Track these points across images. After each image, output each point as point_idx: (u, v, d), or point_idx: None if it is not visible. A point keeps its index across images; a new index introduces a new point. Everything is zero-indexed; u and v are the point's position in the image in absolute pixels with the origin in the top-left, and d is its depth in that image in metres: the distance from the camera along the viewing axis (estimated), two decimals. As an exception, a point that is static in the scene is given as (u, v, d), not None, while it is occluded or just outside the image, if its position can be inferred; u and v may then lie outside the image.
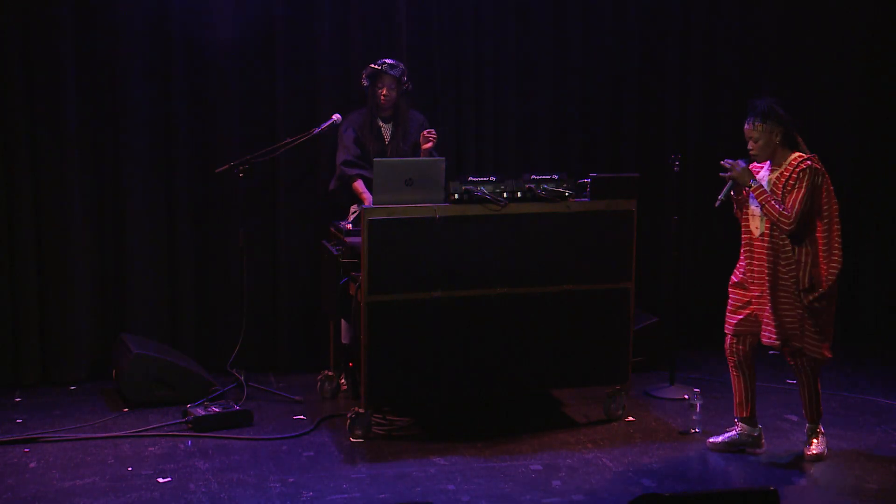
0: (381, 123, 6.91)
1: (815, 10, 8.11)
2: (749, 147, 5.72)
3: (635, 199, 6.25)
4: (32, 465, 5.73)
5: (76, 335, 7.17)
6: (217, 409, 6.29)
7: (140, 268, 7.28)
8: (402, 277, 5.93)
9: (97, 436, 6.14)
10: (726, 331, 5.87)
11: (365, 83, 6.87)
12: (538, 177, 6.12)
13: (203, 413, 6.24)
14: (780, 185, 5.63)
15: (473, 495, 5.30)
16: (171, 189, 7.33)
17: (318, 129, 6.77)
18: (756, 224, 5.75)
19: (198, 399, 6.49)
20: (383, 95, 6.83)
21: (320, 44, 7.43)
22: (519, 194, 6.07)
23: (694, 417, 6.17)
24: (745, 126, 5.72)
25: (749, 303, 5.78)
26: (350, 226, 6.42)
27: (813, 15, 8.11)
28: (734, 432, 5.92)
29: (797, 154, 5.67)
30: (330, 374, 6.85)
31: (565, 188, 6.13)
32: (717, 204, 5.83)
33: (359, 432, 6.03)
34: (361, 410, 6.02)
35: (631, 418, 6.38)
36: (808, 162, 5.60)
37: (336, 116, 6.80)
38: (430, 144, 6.83)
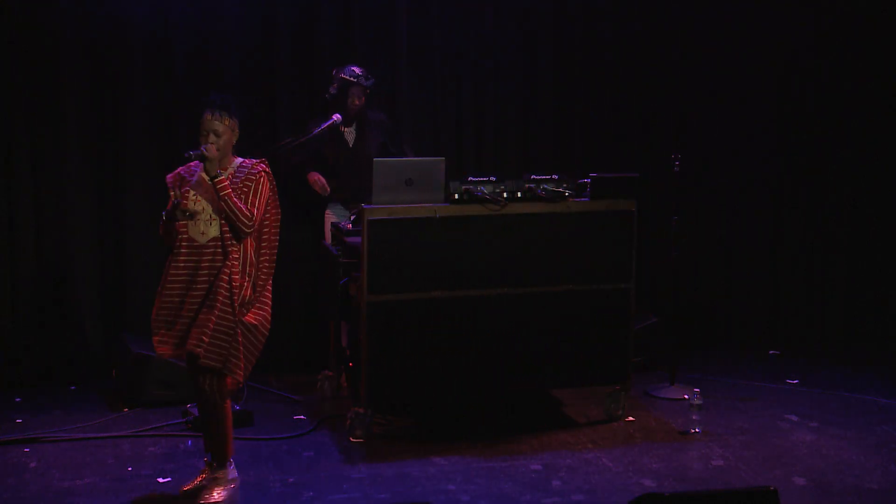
0: (343, 128, 6.92)
1: (816, 9, 8.11)
2: (210, 141, 5.16)
3: (635, 199, 6.25)
4: (32, 465, 5.73)
5: (76, 335, 7.18)
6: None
7: (140, 268, 7.29)
8: (402, 277, 5.92)
9: (97, 436, 6.14)
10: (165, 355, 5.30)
11: (332, 91, 6.86)
12: (538, 177, 6.12)
13: (203, 413, 6.23)
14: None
15: (473, 495, 5.30)
16: (172, 189, 7.34)
17: (318, 129, 6.78)
18: (202, 228, 5.18)
19: (198, 399, 6.48)
20: (355, 105, 6.86)
21: (321, 44, 7.44)
22: (519, 194, 6.07)
23: (694, 417, 6.16)
24: (207, 116, 5.19)
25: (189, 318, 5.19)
26: (350, 226, 6.42)
27: (814, 15, 8.11)
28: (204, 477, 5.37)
29: (247, 159, 5.28)
30: (330, 374, 6.85)
31: (565, 188, 6.13)
32: (187, 154, 5.18)
33: (359, 432, 6.03)
34: (361, 410, 6.02)
35: (631, 418, 6.38)
36: (265, 166, 5.26)
37: (336, 116, 6.81)
38: None
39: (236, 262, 5.19)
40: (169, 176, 5.32)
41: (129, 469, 5.66)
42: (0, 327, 7.07)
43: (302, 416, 6.48)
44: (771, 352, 7.99)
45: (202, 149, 5.15)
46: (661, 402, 6.74)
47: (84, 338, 7.21)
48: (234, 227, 5.18)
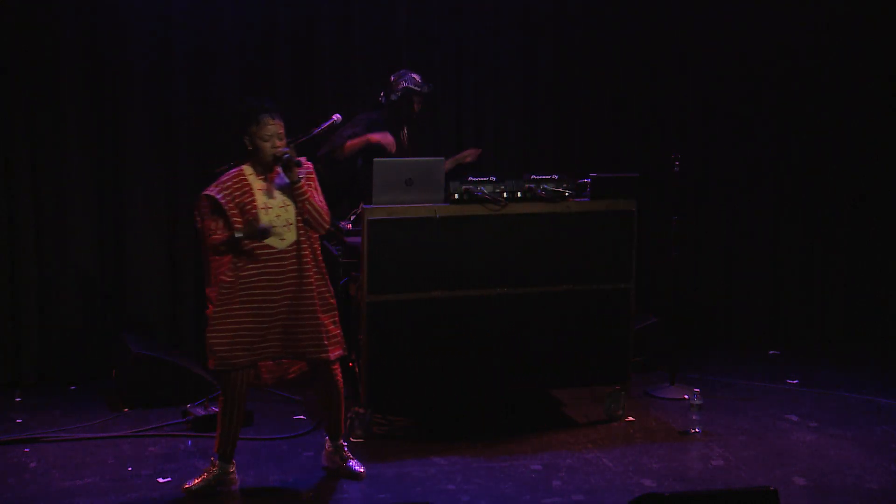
0: (405, 130, 7.04)
1: (816, 9, 8.10)
2: (276, 145, 5.17)
3: (635, 199, 6.25)
4: (32, 465, 5.73)
5: (76, 335, 7.18)
6: (217, 409, 6.27)
7: (140, 268, 7.29)
8: (402, 277, 5.92)
9: (97, 436, 6.14)
10: (235, 363, 5.20)
11: (394, 97, 6.88)
12: (538, 177, 6.12)
13: (203, 413, 6.24)
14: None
15: (473, 495, 5.30)
16: (172, 189, 7.34)
17: (317, 130, 6.77)
18: (282, 234, 5.17)
19: (198, 399, 6.48)
20: (415, 110, 6.96)
21: (321, 44, 7.45)
22: (519, 194, 6.07)
23: (694, 417, 6.16)
24: (268, 120, 5.15)
25: (265, 326, 5.21)
26: (350, 226, 6.43)
27: (814, 15, 8.10)
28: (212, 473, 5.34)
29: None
30: (330, 374, 6.84)
31: (565, 188, 6.13)
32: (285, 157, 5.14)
33: (359, 432, 6.03)
34: (361, 410, 6.02)
35: (631, 418, 6.38)
36: (311, 163, 5.33)
37: (336, 116, 6.80)
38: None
39: (322, 262, 5.29)
40: (219, 196, 5.15)
41: (129, 469, 5.66)
42: (0, 327, 7.07)
43: (302, 416, 6.48)
44: (771, 352, 7.99)
45: (287, 154, 5.14)
46: (661, 402, 6.74)
47: (84, 338, 7.21)
48: (315, 226, 5.22)
